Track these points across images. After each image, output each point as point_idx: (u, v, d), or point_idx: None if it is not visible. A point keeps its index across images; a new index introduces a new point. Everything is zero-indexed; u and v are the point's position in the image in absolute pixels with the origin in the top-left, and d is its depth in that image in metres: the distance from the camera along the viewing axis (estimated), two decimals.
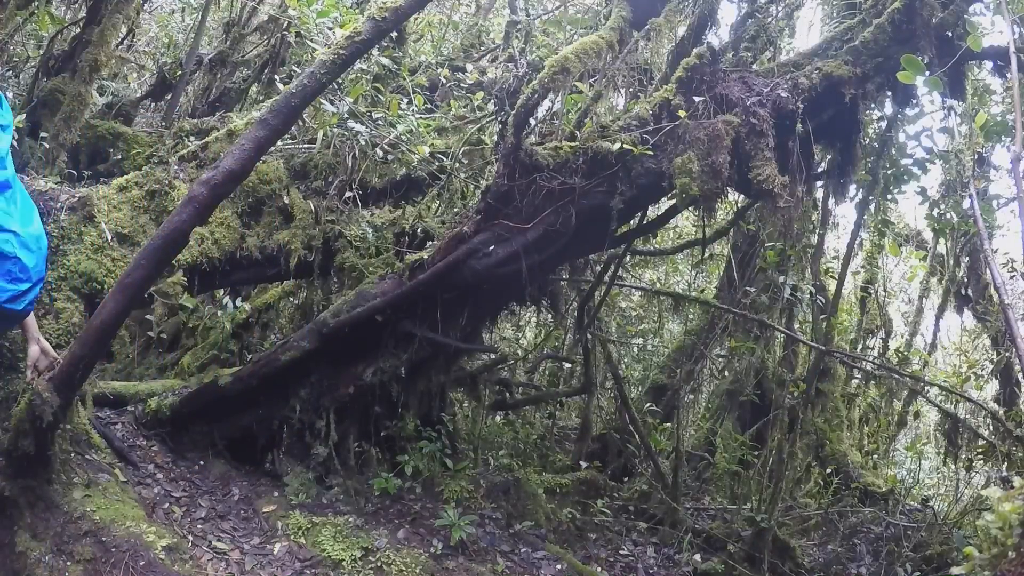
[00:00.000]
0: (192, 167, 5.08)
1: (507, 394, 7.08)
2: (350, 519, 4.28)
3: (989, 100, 6.22)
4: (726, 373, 8.45)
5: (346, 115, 5.20)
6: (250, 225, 5.20)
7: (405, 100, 5.86)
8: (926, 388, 7.39)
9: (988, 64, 4.98)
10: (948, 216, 5.36)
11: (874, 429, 8.80)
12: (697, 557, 5.40)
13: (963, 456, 7.08)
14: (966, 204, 5.38)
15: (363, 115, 5.36)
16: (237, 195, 4.98)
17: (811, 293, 6.21)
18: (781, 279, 6.03)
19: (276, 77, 8.07)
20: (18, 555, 3.35)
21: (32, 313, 3.18)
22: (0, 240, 2.87)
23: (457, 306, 4.73)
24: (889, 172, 5.08)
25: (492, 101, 6.13)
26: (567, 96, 4.70)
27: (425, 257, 4.67)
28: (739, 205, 6.17)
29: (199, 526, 4.05)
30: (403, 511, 4.69)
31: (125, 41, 9.31)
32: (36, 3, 6.94)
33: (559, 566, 4.66)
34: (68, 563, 3.34)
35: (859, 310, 8.98)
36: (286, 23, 7.80)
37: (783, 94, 4.36)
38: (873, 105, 4.85)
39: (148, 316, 6.29)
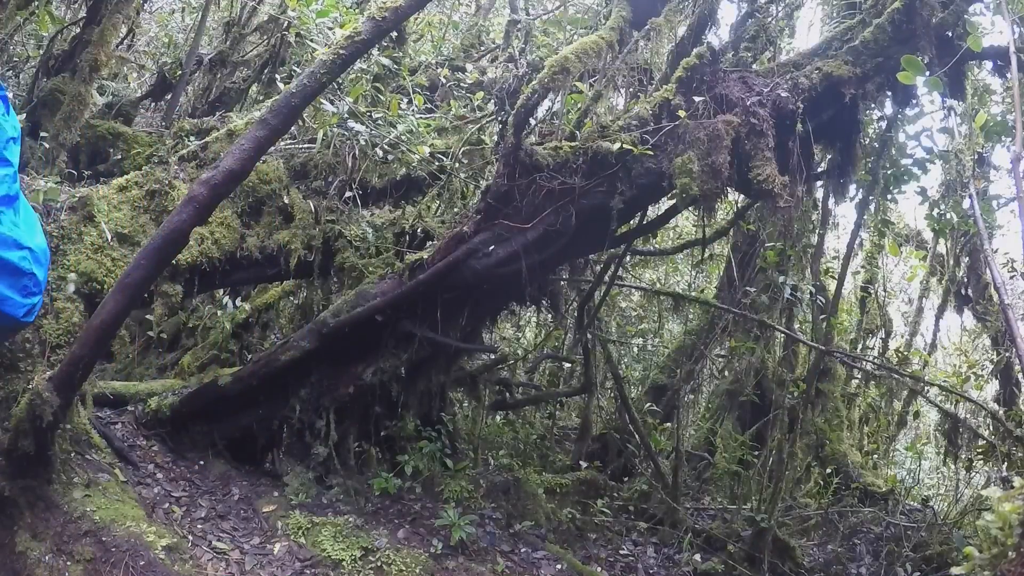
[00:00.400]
0: (192, 167, 5.08)
1: (507, 394, 7.08)
2: (350, 519, 4.28)
3: (989, 100, 6.23)
4: (726, 373, 8.45)
5: (346, 115, 5.20)
6: (250, 225, 5.20)
7: (405, 100, 5.86)
8: (926, 388, 7.39)
9: (988, 64, 4.99)
10: (948, 216, 5.36)
11: (874, 429, 8.80)
12: (697, 557, 5.40)
13: (963, 456, 7.09)
14: (966, 204, 5.39)
15: (363, 115, 5.35)
16: (237, 195, 4.98)
17: (811, 293, 6.21)
18: (781, 279, 6.03)
19: (276, 77, 8.07)
20: (18, 555, 3.35)
21: None
22: (18, 258, 2.91)
23: (457, 306, 4.73)
24: (889, 172, 5.08)
25: (492, 101, 6.14)
26: (567, 96, 4.71)
27: (425, 257, 4.67)
28: (739, 205, 6.17)
29: (199, 526, 4.05)
30: (403, 511, 4.69)
31: (125, 41, 9.31)
32: (36, 3, 6.94)
33: (559, 566, 4.66)
34: (68, 563, 3.34)
35: (859, 310, 8.98)
36: (286, 23, 7.80)
37: (783, 94, 4.36)
38: (873, 105, 4.85)
39: (148, 316, 6.29)
